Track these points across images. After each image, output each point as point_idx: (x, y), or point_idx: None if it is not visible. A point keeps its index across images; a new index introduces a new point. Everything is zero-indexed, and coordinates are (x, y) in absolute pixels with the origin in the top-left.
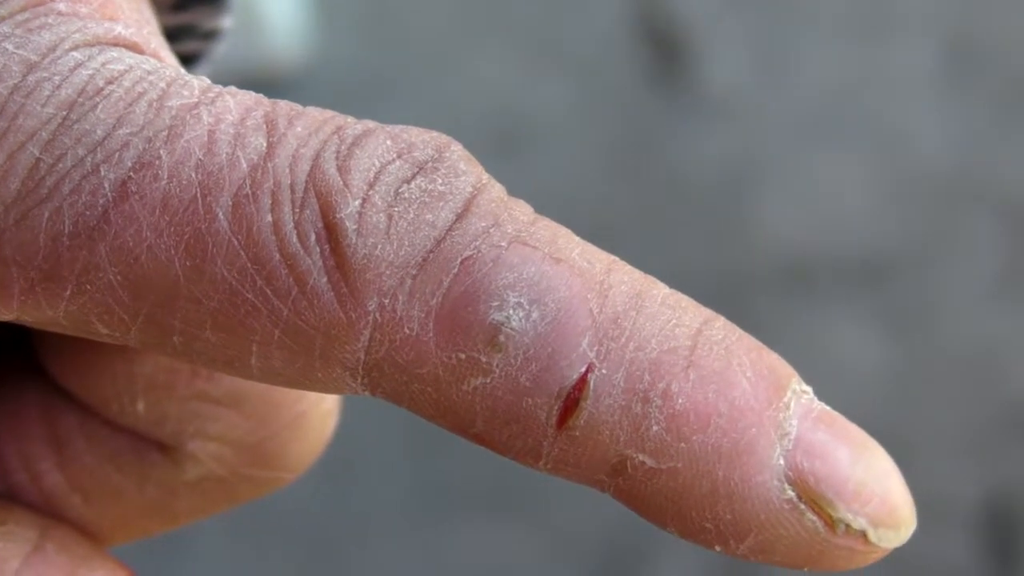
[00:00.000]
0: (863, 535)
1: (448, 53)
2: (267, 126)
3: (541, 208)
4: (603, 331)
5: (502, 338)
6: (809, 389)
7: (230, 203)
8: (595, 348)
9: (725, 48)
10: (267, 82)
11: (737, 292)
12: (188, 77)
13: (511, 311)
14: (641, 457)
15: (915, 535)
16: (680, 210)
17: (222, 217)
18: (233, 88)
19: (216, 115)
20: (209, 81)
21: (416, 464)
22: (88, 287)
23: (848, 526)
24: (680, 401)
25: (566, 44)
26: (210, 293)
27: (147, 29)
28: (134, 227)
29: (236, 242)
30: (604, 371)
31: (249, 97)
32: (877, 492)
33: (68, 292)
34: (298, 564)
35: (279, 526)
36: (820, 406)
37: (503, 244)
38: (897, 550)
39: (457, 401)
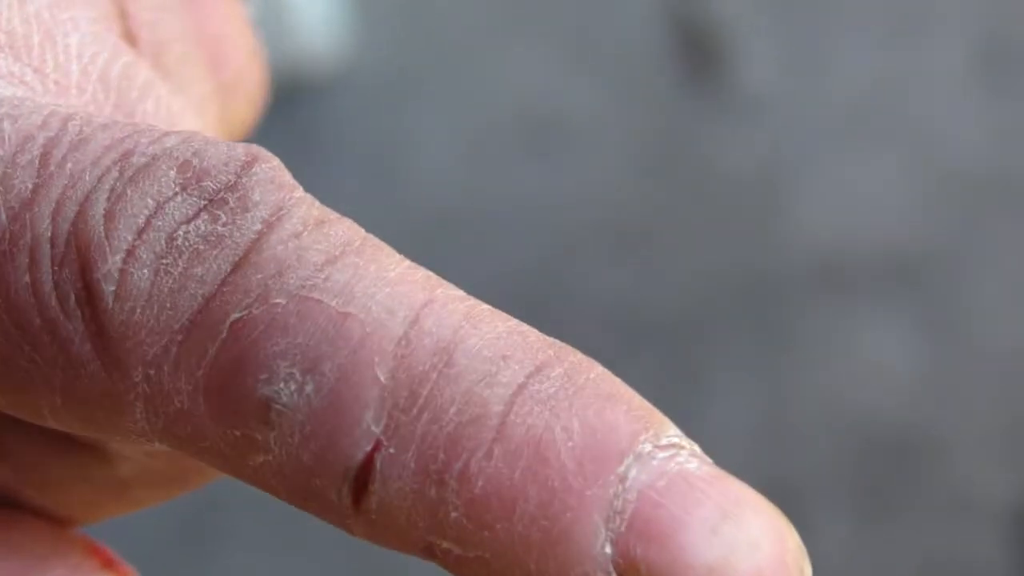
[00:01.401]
0: None
1: (481, 52)
2: (40, 161)
3: (573, 208)
4: (392, 401)
5: (273, 415)
6: (679, 441)
7: None
8: (382, 422)
9: (759, 47)
10: (298, 84)
11: (770, 292)
12: None
13: (281, 384)
14: (446, 544)
15: (946, 534)
16: (713, 210)
17: None
18: (26, 106)
19: None
20: (7, 94)
21: None
22: None
23: None
24: (480, 484)
25: (600, 43)
26: None
27: None
28: None
29: None
30: (392, 450)
31: (34, 120)
32: (734, 574)
33: None
34: (324, 564)
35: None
36: (679, 466)
37: (280, 301)
38: (927, 548)
39: (251, 476)
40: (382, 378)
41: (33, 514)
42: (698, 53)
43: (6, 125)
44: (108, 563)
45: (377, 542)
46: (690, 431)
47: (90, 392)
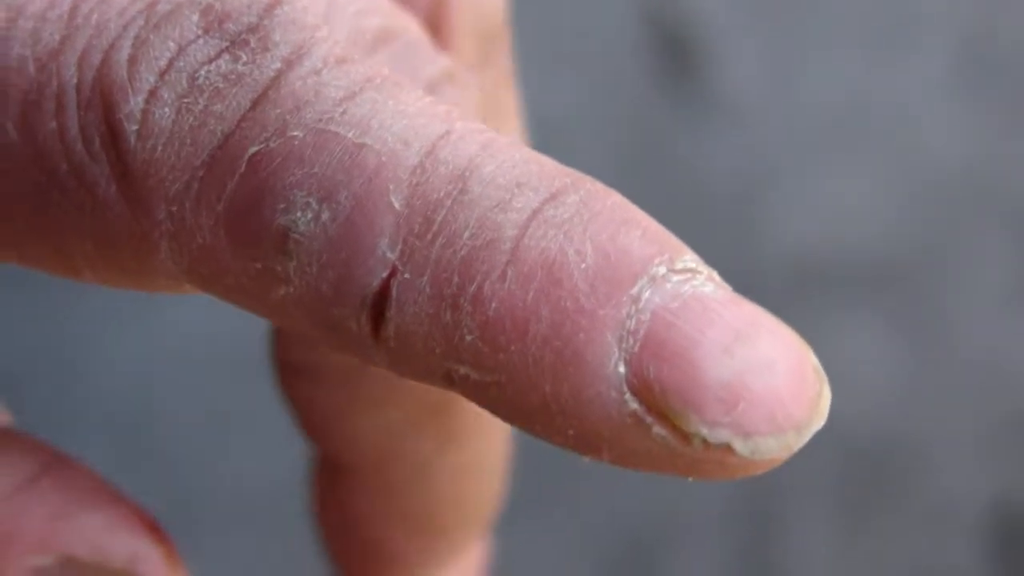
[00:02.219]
0: (728, 448)
1: None
2: (68, 14)
3: None
4: (408, 228)
5: (291, 245)
6: (694, 266)
7: (17, 111)
8: (397, 248)
9: (738, 53)
10: None
11: (749, 298)
12: None
13: (298, 213)
14: (463, 369)
15: (926, 542)
16: (691, 215)
17: (11, 129)
18: None
19: (18, 8)
20: None
21: None
22: None
23: (705, 440)
24: (493, 306)
25: (577, 47)
26: (17, 211)
27: None
28: None
29: (27, 154)
30: (407, 275)
31: None
32: (748, 393)
33: None
34: (308, 562)
35: (291, 517)
36: (694, 288)
37: (297, 134)
38: (907, 556)
39: (275, 310)
40: (396, 205)
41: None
42: (678, 59)
43: None
44: (150, 527)
45: (399, 371)
46: None
47: (118, 234)
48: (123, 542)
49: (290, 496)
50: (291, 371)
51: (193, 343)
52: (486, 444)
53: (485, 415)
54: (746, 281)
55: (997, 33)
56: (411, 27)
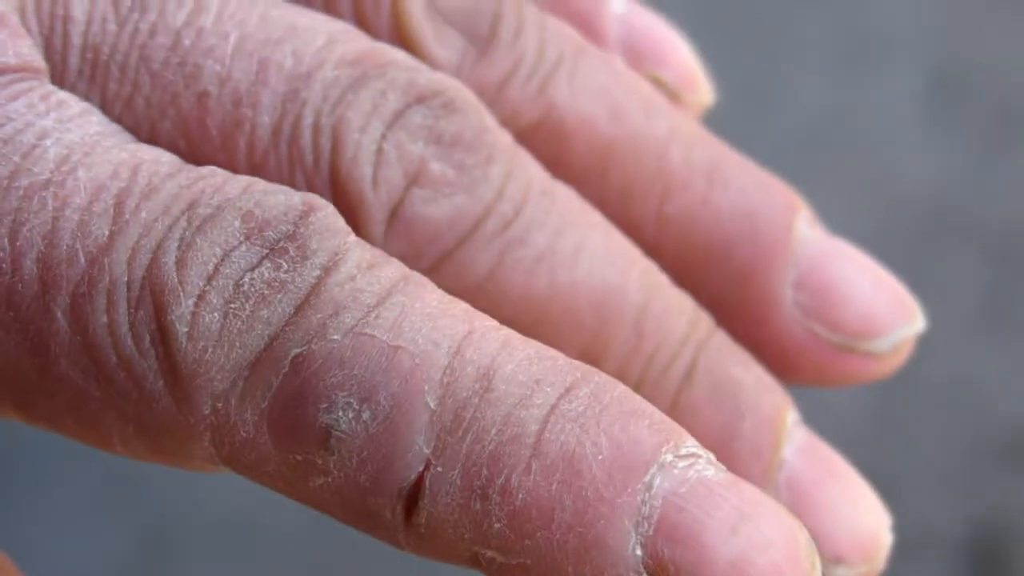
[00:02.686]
0: None
1: None
2: (115, 209)
3: None
4: (440, 425)
5: (333, 441)
6: (696, 451)
7: (68, 302)
8: (431, 444)
9: (712, 77)
10: None
11: None
12: (48, 144)
13: (340, 413)
14: (490, 553)
15: (899, 566)
16: None
17: (60, 317)
18: (99, 152)
19: (63, 198)
20: (74, 141)
21: None
22: None
23: None
24: (520, 496)
25: None
26: (60, 391)
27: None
28: None
29: (76, 342)
30: (440, 469)
31: (105, 171)
32: (752, 569)
33: None
34: None
35: (269, 543)
36: (698, 474)
37: (336, 338)
38: None
39: (311, 496)
40: (431, 404)
41: None
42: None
43: (80, 174)
44: None
45: (425, 555)
46: None
47: (162, 424)
48: None
49: (266, 521)
50: None
51: None
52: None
53: None
54: None
55: (967, 58)
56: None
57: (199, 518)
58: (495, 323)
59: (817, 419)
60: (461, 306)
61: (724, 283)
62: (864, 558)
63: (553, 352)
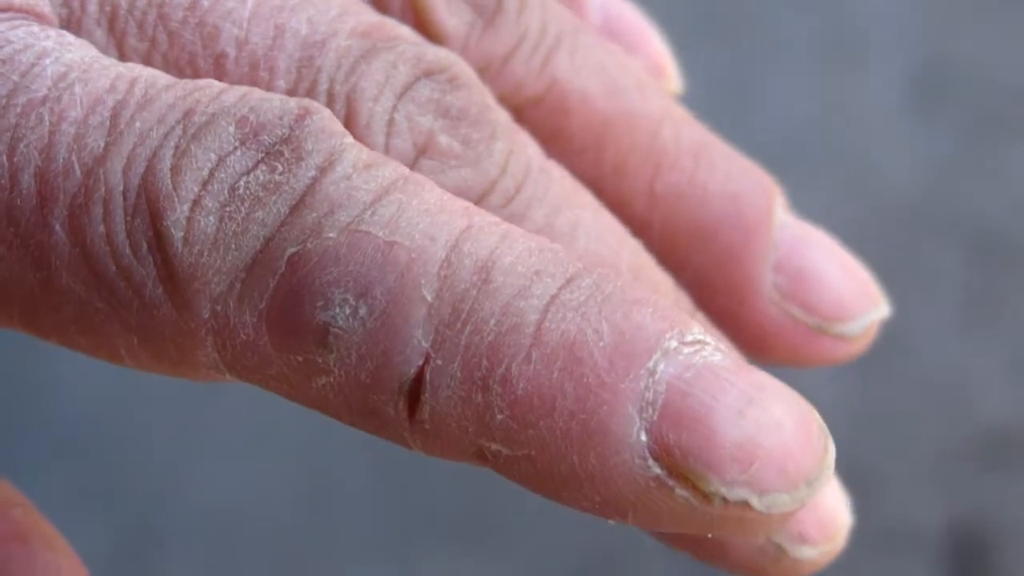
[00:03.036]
0: (745, 504)
1: None
2: (111, 121)
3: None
4: (439, 317)
5: (331, 339)
6: (703, 338)
7: (65, 214)
8: (430, 338)
9: (691, 76)
10: None
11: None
12: (47, 63)
13: (336, 309)
14: (495, 446)
15: (880, 564)
16: None
17: (59, 229)
18: (96, 68)
19: (59, 113)
20: (73, 60)
21: (391, 486)
22: None
23: (724, 498)
24: (521, 386)
25: None
26: (64, 304)
27: None
28: None
29: (75, 254)
30: (439, 362)
31: (102, 84)
32: (761, 452)
33: None
34: None
35: (252, 538)
36: (704, 359)
37: (332, 235)
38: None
39: (315, 397)
40: (428, 298)
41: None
42: None
43: (77, 89)
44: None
45: (432, 452)
46: None
47: (164, 331)
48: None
49: (250, 514)
50: None
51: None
52: None
53: None
54: None
55: (948, 57)
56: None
57: (182, 512)
58: (496, 218)
59: None
60: (460, 203)
61: (708, 262)
62: (827, 537)
63: (555, 245)
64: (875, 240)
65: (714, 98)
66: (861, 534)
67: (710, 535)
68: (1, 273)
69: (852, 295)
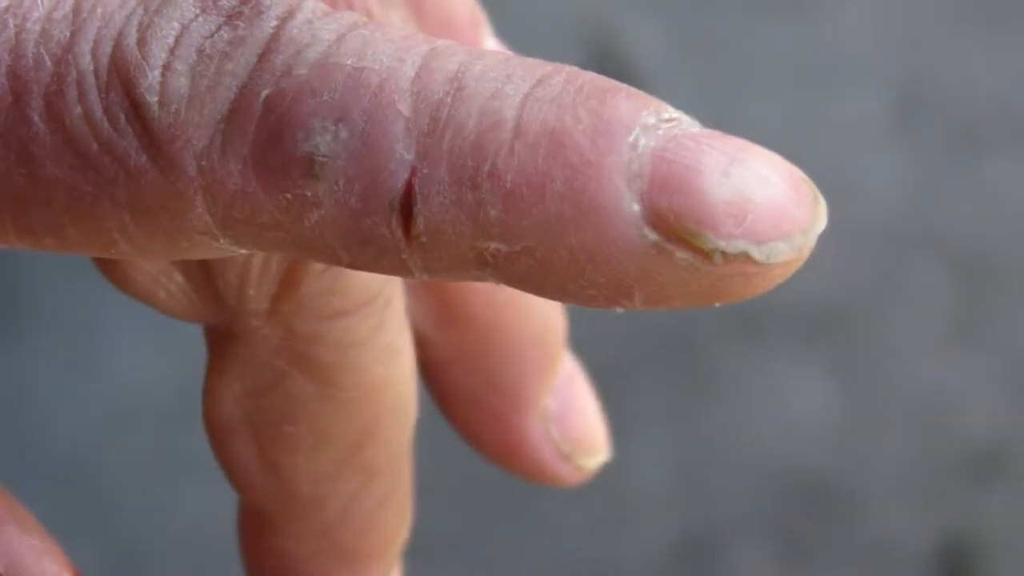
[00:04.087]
0: (746, 257)
1: None
2: (73, 12)
3: None
4: (418, 129)
5: (317, 167)
6: (678, 115)
7: (42, 104)
8: (413, 149)
9: (676, 98)
10: None
11: (687, 342)
12: None
13: (318, 138)
14: (493, 245)
15: None
16: None
17: (38, 120)
18: None
19: (23, 15)
20: None
21: None
22: None
23: (724, 253)
24: (509, 177)
25: None
26: (53, 194)
27: None
28: None
29: (57, 140)
30: (426, 171)
31: None
32: (752, 205)
33: None
34: None
35: (234, 555)
36: (683, 130)
37: (303, 72)
38: None
39: (310, 238)
40: (404, 111)
41: None
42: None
43: None
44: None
45: (434, 269)
46: (611, 478)
47: (153, 199)
48: (50, 569)
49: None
50: (221, 426)
51: (134, 393)
52: (401, 473)
53: (401, 444)
54: (689, 324)
55: (929, 74)
56: None
57: (166, 534)
58: (461, 44)
59: (784, 432)
60: (424, 35)
61: (506, 369)
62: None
63: (522, 58)
64: (859, 258)
65: (696, 117)
66: (848, 550)
67: (714, 303)
68: None
69: (600, 434)
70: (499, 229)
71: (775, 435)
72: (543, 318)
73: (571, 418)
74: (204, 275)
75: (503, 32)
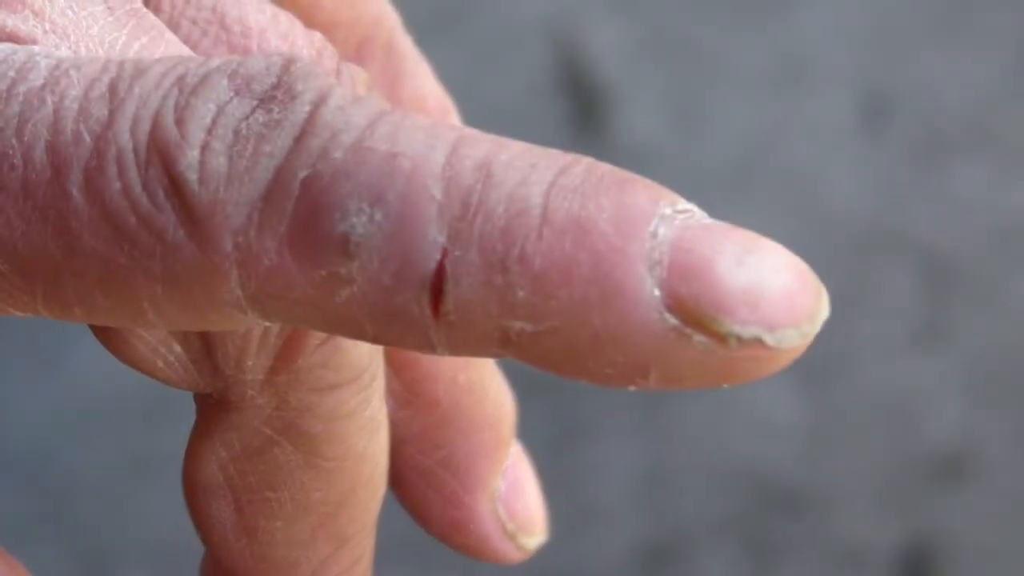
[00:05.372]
0: (759, 342)
1: None
2: (110, 93)
3: None
4: (450, 213)
5: (352, 246)
6: (691, 207)
7: (81, 178)
8: (445, 232)
9: (643, 101)
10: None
11: None
12: (39, 58)
13: (354, 218)
14: (519, 324)
15: None
16: None
17: (76, 193)
18: (84, 59)
19: (60, 93)
20: (63, 55)
21: None
22: None
23: (739, 338)
24: (538, 261)
25: (485, 96)
26: (88, 266)
27: None
28: (3, 218)
29: (95, 214)
30: (458, 253)
31: (95, 67)
32: (766, 294)
33: None
34: None
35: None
36: (698, 221)
37: (338, 155)
38: None
39: (339, 313)
40: (437, 196)
41: None
42: (585, 107)
43: (72, 73)
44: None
45: (456, 347)
46: (578, 480)
47: (188, 273)
48: None
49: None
50: (202, 488)
51: (98, 396)
52: (369, 541)
53: (372, 514)
54: None
55: (895, 81)
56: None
57: (134, 538)
58: (485, 134)
59: (750, 435)
60: (448, 122)
61: (466, 446)
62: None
63: (543, 148)
64: (824, 262)
65: (662, 123)
66: (813, 553)
67: (724, 385)
68: (24, 249)
69: (541, 514)
70: (526, 310)
71: (741, 439)
72: (498, 403)
73: (516, 499)
74: (203, 346)
75: (472, 37)
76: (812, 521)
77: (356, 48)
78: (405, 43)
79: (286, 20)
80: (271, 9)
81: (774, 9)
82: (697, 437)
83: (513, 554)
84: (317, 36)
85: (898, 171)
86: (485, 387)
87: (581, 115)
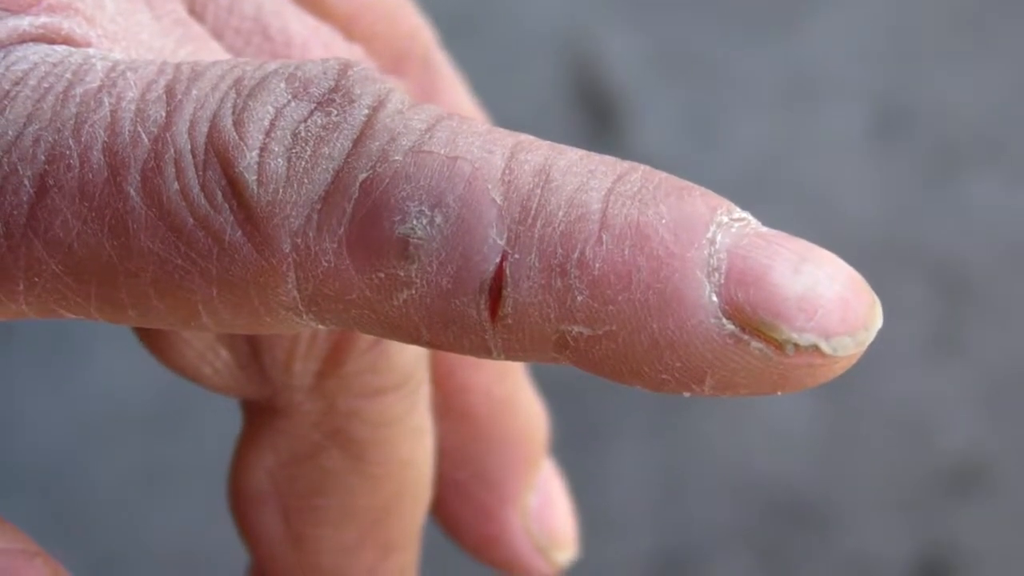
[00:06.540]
0: (816, 349)
1: None
2: (167, 95)
3: None
4: (510, 217)
5: (412, 249)
6: (746, 215)
7: (139, 179)
8: (504, 236)
9: (657, 114)
10: None
11: None
12: (95, 60)
13: (414, 221)
14: (577, 328)
15: None
16: None
17: (134, 194)
18: (140, 62)
19: (117, 95)
20: (119, 58)
21: None
22: (36, 280)
23: (796, 345)
24: (597, 266)
25: (501, 107)
26: (143, 267)
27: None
28: (59, 219)
29: (152, 215)
30: (517, 256)
31: (151, 69)
32: (822, 302)
33: (21, 287)
34: None
35: (214, 573)
36: (754, 230)
37: (398, 158)
38: None
39: (395, 316)
40: (497, 199)
41: None
42: (599, 120)
43: (129, 75)
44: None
45: (513, 351)
46: (590, 490)
47: (245, 274)
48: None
49: (214, 556)
50: (250, 497)
51: (111, 407)
52: (414, 550)
53: (417, 522)
54: None
55: (907, 94)
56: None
57: (148, 551)
58: (541, 140)
59: (765, 445)
60: (504, 129)
61: (497, 460)
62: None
63: (600, 155)
64: None
65: (676, 136)
66: (828, 564)
67: (777, 393)
68: (80, 249)
69: (572, 530)
70: (584, 314)
71: (756, 449)
72: (531, 417)
73: (548, 513)
74: (251, 351)
75: (487, 49)
76: (827, 532)
77: (393, 62)
78: (440, 58)
79: (327, 32)
80: (312, 21)
81: (788, 22)
82: (712, 447)
83: (544, 569)
84: (357, 49)
85: (912, 183)
86: (519, 401)
87: (595, 127)
